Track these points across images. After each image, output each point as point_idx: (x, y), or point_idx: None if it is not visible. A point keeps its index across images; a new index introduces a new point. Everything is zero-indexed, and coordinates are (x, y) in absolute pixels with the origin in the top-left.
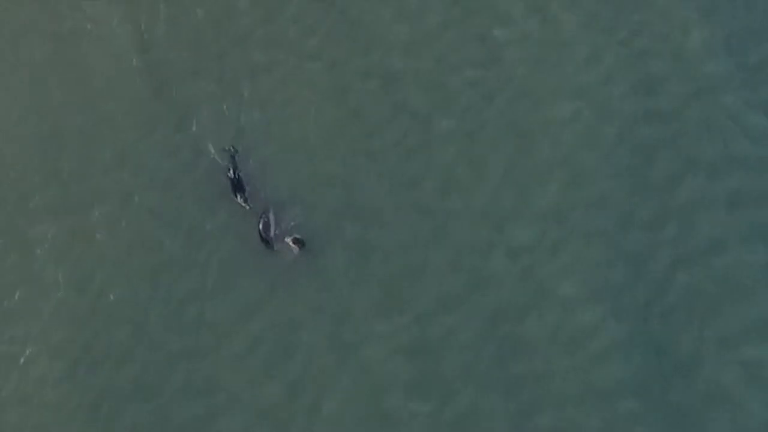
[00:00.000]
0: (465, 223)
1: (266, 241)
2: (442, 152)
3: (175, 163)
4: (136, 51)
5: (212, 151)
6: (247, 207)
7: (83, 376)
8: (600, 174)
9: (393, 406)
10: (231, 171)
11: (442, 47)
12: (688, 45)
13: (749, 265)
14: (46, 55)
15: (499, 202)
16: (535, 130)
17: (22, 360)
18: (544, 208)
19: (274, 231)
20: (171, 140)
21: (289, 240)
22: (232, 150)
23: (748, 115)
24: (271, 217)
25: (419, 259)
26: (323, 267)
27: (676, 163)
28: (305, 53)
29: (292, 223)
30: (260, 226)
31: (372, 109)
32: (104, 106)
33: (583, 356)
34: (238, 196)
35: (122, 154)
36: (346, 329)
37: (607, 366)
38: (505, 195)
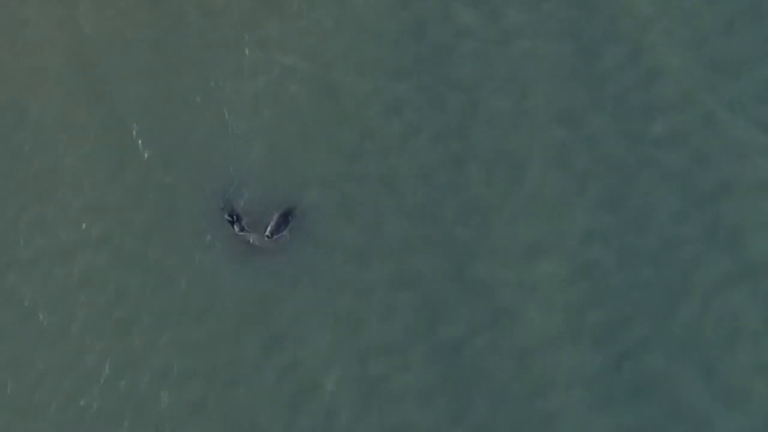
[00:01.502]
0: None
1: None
2: (431, 152)
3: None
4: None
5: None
6: (246, 234)
7: None
8: None
9: None
10: (225, 206)
11: None
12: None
13: None
14: None
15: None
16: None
17: None
18: None
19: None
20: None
21: (271, 233)
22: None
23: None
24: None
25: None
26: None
27: None
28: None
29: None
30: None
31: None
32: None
33: None
34: (235, 226)
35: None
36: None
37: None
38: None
